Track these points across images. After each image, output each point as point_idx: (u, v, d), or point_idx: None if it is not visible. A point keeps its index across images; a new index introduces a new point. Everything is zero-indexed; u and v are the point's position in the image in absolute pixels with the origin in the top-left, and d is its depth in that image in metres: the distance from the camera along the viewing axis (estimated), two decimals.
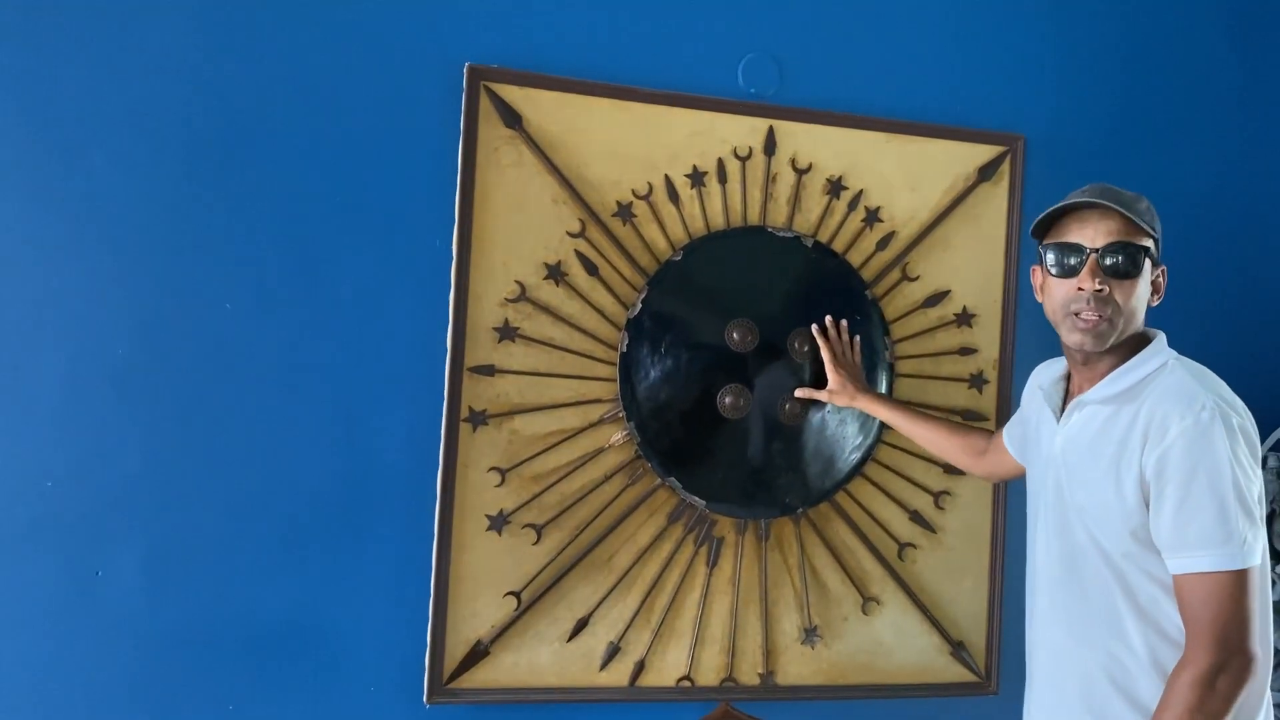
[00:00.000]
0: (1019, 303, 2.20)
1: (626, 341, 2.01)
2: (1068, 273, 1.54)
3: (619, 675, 2.01)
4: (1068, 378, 1.69)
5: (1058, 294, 1.57)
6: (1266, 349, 2.38)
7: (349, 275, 1.92)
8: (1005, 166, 2.19)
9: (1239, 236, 2.38)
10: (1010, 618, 2.20)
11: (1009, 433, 1.91)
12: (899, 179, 2.15)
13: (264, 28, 1.89)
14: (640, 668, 2.02)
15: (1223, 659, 1.40)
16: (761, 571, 2.09)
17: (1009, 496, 2.20)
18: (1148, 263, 1.54)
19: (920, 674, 2.16)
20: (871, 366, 2.13)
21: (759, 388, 2.06)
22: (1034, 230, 1.64)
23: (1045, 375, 1.75)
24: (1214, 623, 1.41)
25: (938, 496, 2.18)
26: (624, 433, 2.01)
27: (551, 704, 1.98)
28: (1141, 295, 1.55)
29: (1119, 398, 1.53)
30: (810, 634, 2.11)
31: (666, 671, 2.04)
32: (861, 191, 2.13)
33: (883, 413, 2.02)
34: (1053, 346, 2.21)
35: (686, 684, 2.05)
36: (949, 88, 2.20)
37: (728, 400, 2.05)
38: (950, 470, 2.17)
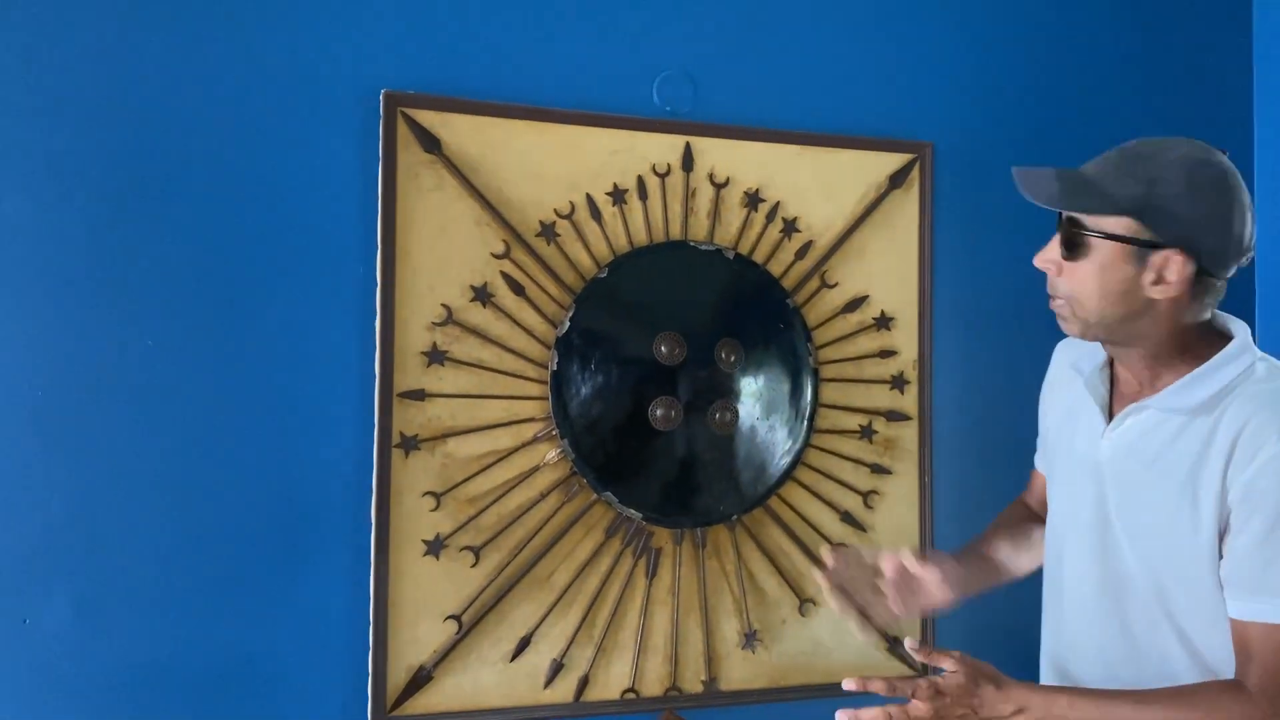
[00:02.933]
0: (934, 304, 2.27)
1: (556, 359, 2.03)
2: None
3: (564, 692, 2.02)
4: (1110, 365, 1.45)
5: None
6: None
7: (272, 307, 1.91)
8: (915, 174, 2.27)
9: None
10: (944, 613, 2.26)
11: (1042, 459, 1.67)
12: (814, 189, 2.21)
13: (176, 61, 1.87)
14: (585, 683, 2.03)
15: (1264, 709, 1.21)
16: (700, 580, 2.12)
17: (935, 493, 2.27)
18: (1114, 247, 1.30)
19: (859, 671, 2.20)
20: (796, 373, 2.18)
21: (689, 399, 2.10)
22: (1240, 245, 1.34)
23: (1084, 359, 1.47)
24: (1261, 676, 1.22)
25: (866, 496, 2.23)
26: (558, 450, 2.03)
27: None
28: (1105, 285, 1.31)
29: (1198, 408, 1.29)
30: (750, 638, 2.14)
31: (611, 685, 2.06)
32: (779, 203, 2.18)
33: (973, 576, 1.63)
34: (969, 345, 2.30)
35: (631, 696, 2.06)
36: (858, 99, 2.26)
37: (659, 412, 2.08)
38: (878, 469, 2.23)
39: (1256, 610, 1.23)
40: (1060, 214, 1.37)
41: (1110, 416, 1.40)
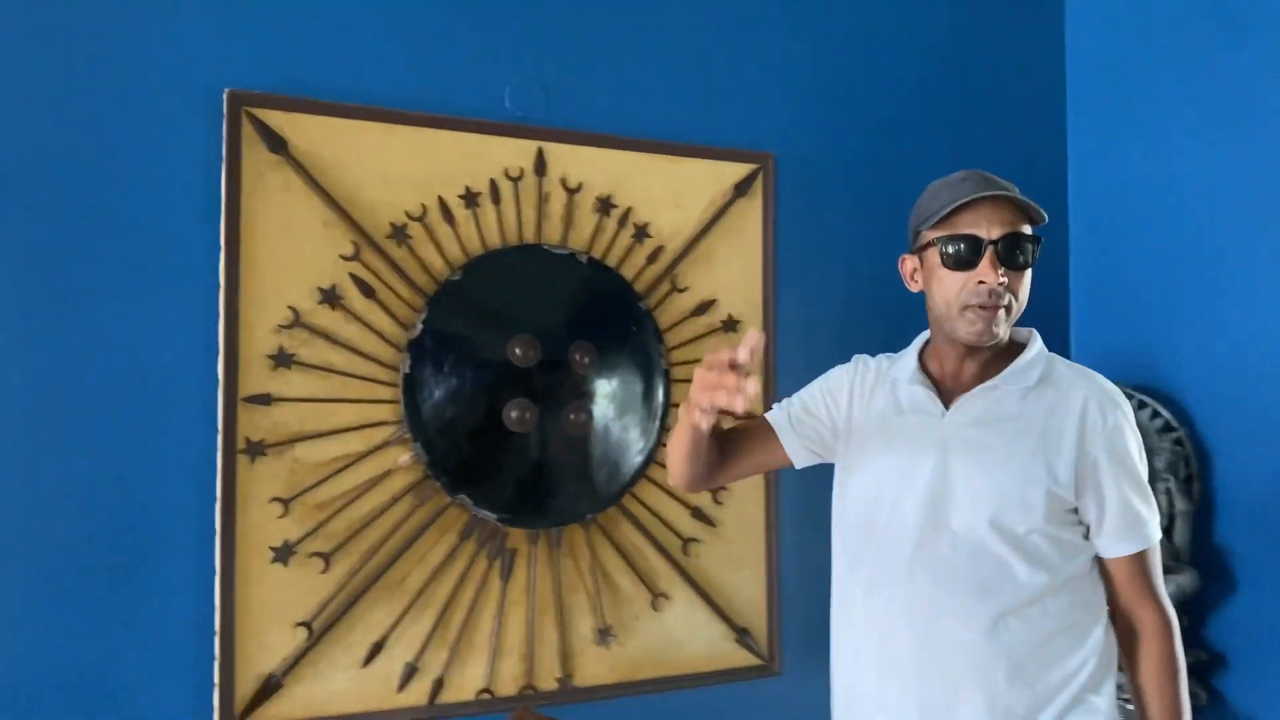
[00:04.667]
0: (778, 307, 2.37)
1: (409, 363, 2.02)
2: (962, 265, 1.51)
3: (418, 695, 2.02)
4: (925, 369, 1.66)
5: (951, 286, 1.53)
6: None
7: (109, 309, 1.84)
8: (758, 183, 2.36)
9: None
10: (788, 602, 2.36)
11: (791, 420, 1.77)
12: (664, 196, 2.27)
13: (9, 56, 1.78)
14: (439, 685, 2.03)
15: (1170, 612, 1.58)
16: (555, 579, 2.15)
17: (780, 490, 2.36)
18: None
19: (709, 662, 2.28)
20: (648, 374, 2.23)
21: (544, 401, 2.13)
22: (917, 220, 1.59)
23: (896, 370, 1.69)
24: (1158, 587, 1.58)
25: (716, 493, 2.31)
26: (411, 454, 2.02)
27: None
28: (1028, 285, 1.56)
29: (1036, 383, 1.57)
30: (604, 634, 2.18)
31: (466, 686, 2.06)
32: (630, 209, 2.24)
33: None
34: (809, 346, 2.41)
35: (486, 696, 2.07)
36: (705, 110, 2.34)
37: (514, 415, 2.09)
38: None
39: (1129, 547, 1.55)
40: None
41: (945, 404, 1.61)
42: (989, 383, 1.57)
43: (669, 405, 2.25)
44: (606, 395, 2.20)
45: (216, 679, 1.85)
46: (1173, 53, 2.53)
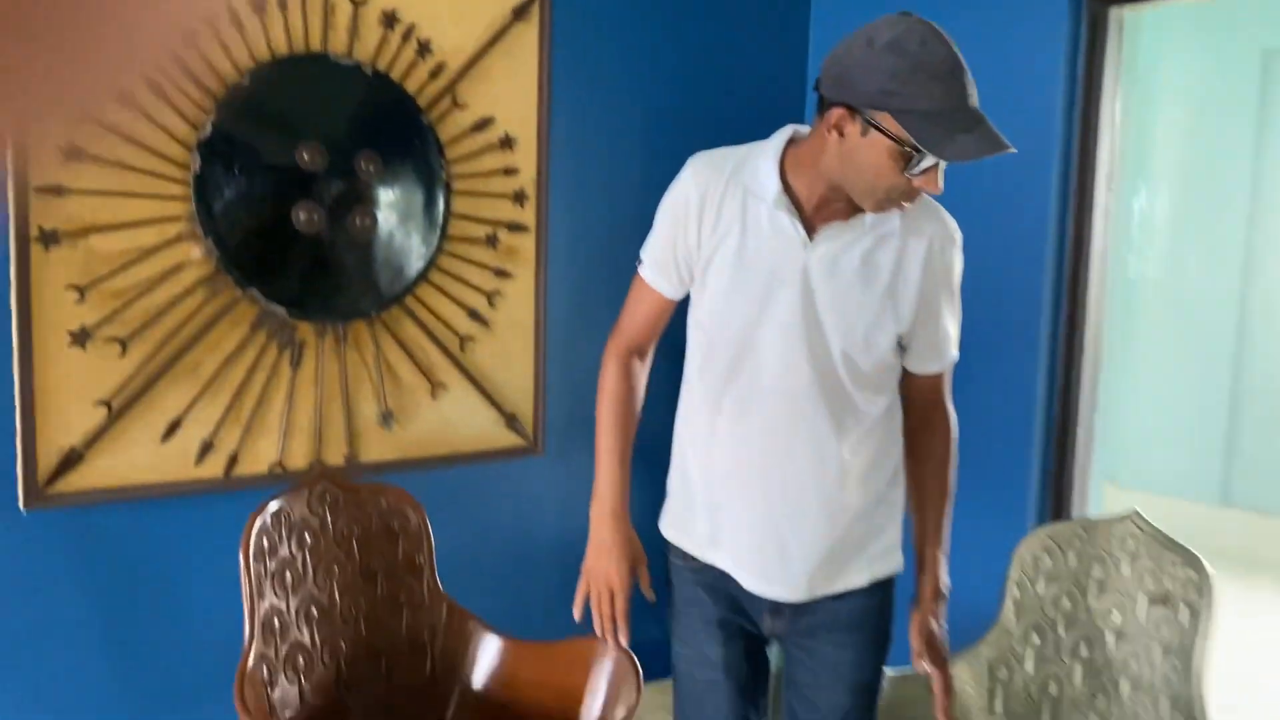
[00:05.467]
0: (551, 128, 2.60)
1: (198, 162, 2.12)
2: (916, 170, 1.42)
3: (215, 468, 2.22)
4: (788, 189, 1.56)
5: (890, 180, 1.44)
6: None
7: None
8: (535, 7, 2.54)
9: (761, 94, 2.95)
10: (551, 393, 2.70)
11: (665, 268, 1.67)
12: (446, 14, 2.41)
13: None
14: (234, 459, 2.24)
15: (955, 415, 1.74)
16: (341, 369, 2.37)
17: (549, 294, 2.65)
18: None
19: (482, 443, 2.60)
20: (430, 185, 2.43)
21: (330, 205, 2.28)
22: (883, 94, 1.39)
23: (747, 176, 1.58)
24: (950, 394, 1.73)
25: (490, 296, 2.57)
26: (203, 249, 2.15)
27: (151, 500, 2.14)
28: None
29: (891, 229, 1.57)
30: (387, 418, 2.44)
31: (259, 460, 2.28)
32: (413, 25, 2.36)
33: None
34: (579, 165, 2.66)
35: (279, 470, 2.30)
36: None
37: (302, 216, 2.24)
38: (500, 273, 2.57)
39: (942, 363, 1.70)
40: None
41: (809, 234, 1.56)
42: (854, 220, 1.56)
43: (449, 215, 2.46)
44: (390, 203, 2.38)
45: (19, 450, 1.97)
46: None
